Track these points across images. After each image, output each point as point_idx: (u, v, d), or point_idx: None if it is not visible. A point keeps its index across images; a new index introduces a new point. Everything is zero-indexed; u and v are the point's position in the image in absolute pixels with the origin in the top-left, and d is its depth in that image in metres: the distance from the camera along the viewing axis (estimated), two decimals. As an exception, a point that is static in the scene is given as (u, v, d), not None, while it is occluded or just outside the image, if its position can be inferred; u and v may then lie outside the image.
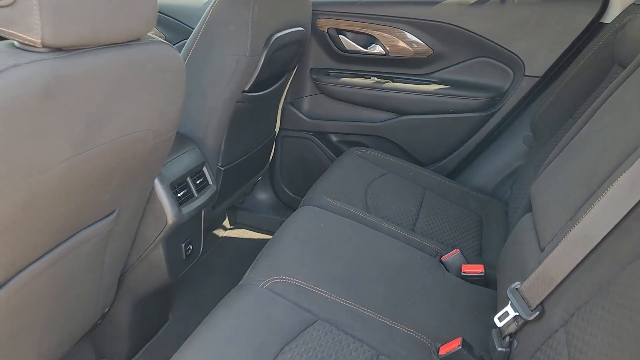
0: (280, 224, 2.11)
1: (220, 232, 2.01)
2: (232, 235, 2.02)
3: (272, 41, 1.37)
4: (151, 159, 0.94)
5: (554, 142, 1.44)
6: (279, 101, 1.75)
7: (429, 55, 1.77)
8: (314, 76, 1.89)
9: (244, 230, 2.07)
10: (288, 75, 1.70)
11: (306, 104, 1.95)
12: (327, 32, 1.81)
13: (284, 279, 1.04)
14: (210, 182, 1.35)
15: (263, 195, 2.10)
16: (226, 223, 2.06)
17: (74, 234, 0.86)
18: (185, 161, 1.26)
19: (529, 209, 1.15)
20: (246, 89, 1.38)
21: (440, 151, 1.85)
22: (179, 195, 1.21)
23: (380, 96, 1.82)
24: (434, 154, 1.86)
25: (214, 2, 1.29)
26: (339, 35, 1.81)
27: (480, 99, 1.73)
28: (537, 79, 1.65)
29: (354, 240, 1.23)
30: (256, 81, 1.40)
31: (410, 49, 1.77)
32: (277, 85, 1.59)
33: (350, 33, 1.82)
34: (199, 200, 1.27)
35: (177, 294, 1.65)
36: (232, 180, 1.60)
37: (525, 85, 1.67)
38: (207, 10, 1.30)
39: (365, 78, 1.86)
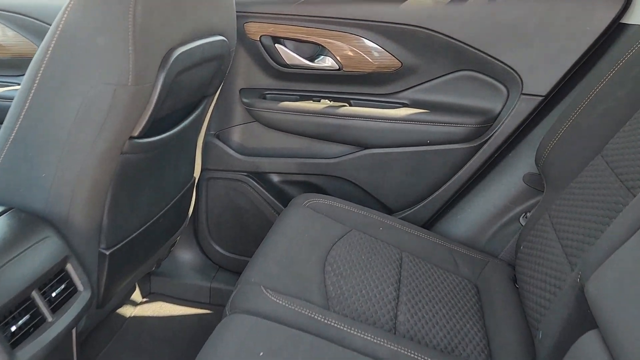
0: (210, 292, 1.64)
1: (127, 311, 1.50)
2: (145, 313, 1.51)
3: (172, 59, 0.89)
4: None
5: (581, 188, 1.03)
6: (197, 136, 1.27)
7: (396, 70, 1.34)
8: (245, 100, 1.41)
9: (162, 303, 1.56)
10: (208, 102, 1.22)
11: (236, 136, 1.47)
12: (260, 40, 1.35)
13: None
14: (81, 287, 0.85)
15: (186, 255, 1.61)
16: (137, 296, 1.55)
17: None
18: (27, 264, 0.76)
19: (582, 318, 0.73)
20: (135, 134, 0.89)
21: (414, 194, 1.42)
22: (12, 330, 0.71)
23: (334, 124, 1.37)
24: (406, 198, 1.43)
25: (70, 1, 0.79)
26: (276, 45, 1.35)
27: (465, 125, 1.31)
28: (540, 98, 1.25)
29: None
30: (152, 120, 0.91)
31: (372, 61, 1.33)
32: (189, 120, 1.10)
33: (291, 42, 1.36)
34: (57, 325, 0.78)
35: None
36: (128, 262, 1.10)
37: (524, 107, 1.27)
38: (60, 13, 0.80)
39: (313, 101, 1.40)
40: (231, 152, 1.45)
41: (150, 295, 1.58)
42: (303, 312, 0.90)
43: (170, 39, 0.89)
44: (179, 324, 1.49)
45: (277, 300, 0.92)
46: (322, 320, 0.90)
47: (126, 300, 1.52)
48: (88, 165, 0.85)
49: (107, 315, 1.45)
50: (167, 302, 1.57)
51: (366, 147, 1.40)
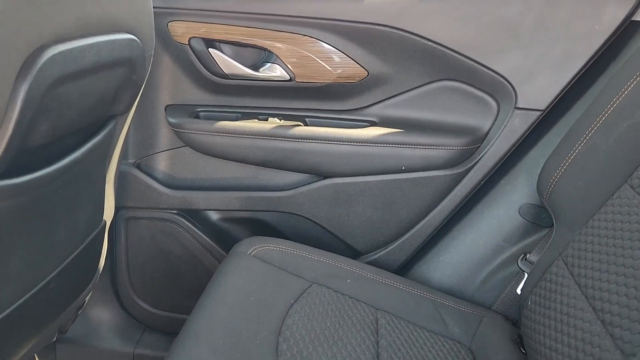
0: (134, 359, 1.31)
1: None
2: (47, 396, 1.17)
3: (41, 62, 0.59)
4: None
5: (606, 227, 0.80)
6: (103, 169, 0.95)
7: (361, 80, 1.08)
8: (171, 120, 1.11)
9: (72, 378, 1.23)
10: (118, 124, 0.92)
11: (162, 164, 1.17)
12: (189, 44, 1.06)
13: None
14: None
15: (102, 314, 1.27)
16: (35, 373, 1.20)
17: None
18: None
19: None
20: (-15, 175, 0.58)
21: (387, 232, 1.15)
22: None
23: (286, 149, 1.09)
24: (377, 237, 1.16)
25: None
26: (210, 50, 1.06)
27: (447, 148, 1.07)
28: (537, 113, 1.02)
29: None
30: (13, 152, 0.61)
31: (331, 69, 1.06)
32: (85, 149, 0.80)
33: (229, 45, 1.08)
34: None
35: None
36: (6, 342, 0.77)
37: (518, 125, 1.03)
38: None
39: (259, 120, 1.12)
40: (156, 185, 1.15)
41: (56, 370, 1.24)
42: None
43: (36, 31, 0.59)
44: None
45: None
46: None
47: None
48: None
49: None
50: (78, 377, 1.23)
51: (326, 177, 1.12)
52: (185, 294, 1.24)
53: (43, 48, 0.60)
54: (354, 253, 1.18)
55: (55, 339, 1.14)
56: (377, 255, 1.16)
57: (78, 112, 0.73)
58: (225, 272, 0.94)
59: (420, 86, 1.08)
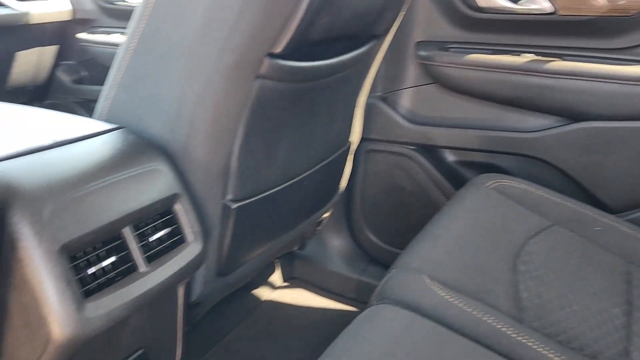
0: (358, 286, 1.39)
1: (263, 293, 1.32)
2: (283, 299, 1.32)
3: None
4: None
5: None
6: (358, 88, 1.03)
7: (636, 14, 0.95)
8: (421, 53, 1.14)
9: (302, 290, 1.36)
10: (376, 46, 0.98)
11: (407, 100, 1.21)
12: (448, -23, 1.07)
13: None
14: (190, 237, 0.66)
15: (334, 241, 1.38)
16: (276, 278, 1.37)
17: None
18: (123, 192, 0.58)
19: None
20: (276, 50, 0.68)
21: (650, 189, 1.01)
22: (89, 272, 0.54)
23: (538, 85, 1.03)
24: (636, 194, 1.02)
25: None
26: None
27: None
28: None
29: None
30: (299, 36, 0.70)
31: (603, 0, 0.96)
32: (350, 56, 0.87)
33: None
34: (151, 278, 0.59)
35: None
36: (260, 225, 0.90)
37: None
38: None
39: (512, 55, 1.08)
40: (399, 119, 1.19)
41: (291, 280, 1.39)
42: (485, 319, 0.60)
43: None
44: (318, 316, 1.27)
45: (447, 297, 0.63)
46: (515, 336, 0.59)
47: (264, 281, 1.34)
48: (213, 84, 0.65)
49: (241, 294, 1.29)
50: (308, 290, 1.36)
51: (582, 119, 1.03)
52: (413, 230, 1.26)
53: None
54: (607, 209, 1.06)
55: (295, 248, 1.28)
56: (633, 216, 1.02)
57: (352, 14, 0.80)
58: (462, 199, 0.93)
59: None
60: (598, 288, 0.75)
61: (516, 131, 1.09)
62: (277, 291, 1.34)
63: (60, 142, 0.60)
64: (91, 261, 0.55)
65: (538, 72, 1.02)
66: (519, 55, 1.07)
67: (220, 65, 0.64)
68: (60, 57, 1.87)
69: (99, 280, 0.55)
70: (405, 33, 1.16)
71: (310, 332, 1.22)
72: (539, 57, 1.04)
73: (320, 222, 1.26)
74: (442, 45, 1.14)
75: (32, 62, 1.75)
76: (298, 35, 0.69)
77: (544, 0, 1.01)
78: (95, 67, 1.83)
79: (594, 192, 1.05)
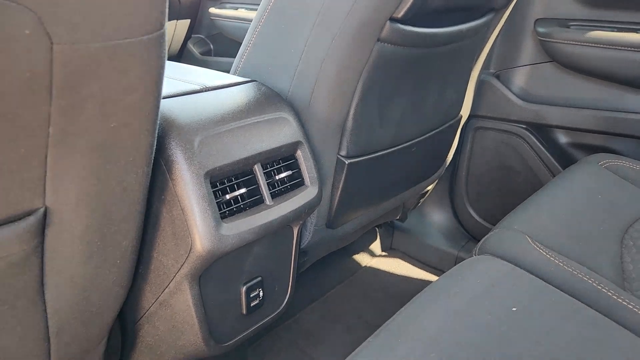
0: (457, 262, 1.41)
1: (363, 259, 1.38)
2: (381, 267, 1.38)
3: None
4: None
5: None
6: (471, 61, 1.05)
7: None
8: (540, 30, 1.13)
9: (401, 261, 1.41)
10: (494, 20, 0.99)
11: (521, 78, 1.20)
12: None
13: None
14: (308, 182, 0.74)
15: (435, 215, 1.41)
16: (376, 247, 1.43)
17: None
18: (256, 134, 0.67)
19: None
20: (398, 15, 0.73)
21: None
22: (227, 198, 0.63)
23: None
24: None
25: None
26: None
27: None
28: None
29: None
30: (420, 3, 0.74)
31: None
32: (467, 26, 0.89)
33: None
34: (275, 211, 0.67)
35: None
36: (369, 183, 0.96)
37: None
38: None
39: (637, 33, 1.04)
40: (511, 96, 1.19)
41: (390, 251, 1.44)
42: (586, 279, 0.62)
43: None
44: (414, 287, 1.31)
45: (549, 256, 0.65)
46: (616, 298, 0.60)
47: (365, 248, 1.41)
48: (339, 44, 0.72)
49: (343, 258, 1.36)
50: (406, 261, 1.40)
51: None
52: (517, 210, 1.26)
53: None
54: None
55: (397, 218, 1.32)
56: None
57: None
58: (571, 174, 0.93)
59: None
60: None
61: (637, 112, 1.05)
62: (376, 259, 1.40)
63: (208, 87, 0.70)
64: (228, 190, 0.64)
65: (668, 51, 0.97)
66: (646, 33, 1.02)
67: (347, 26, 0.70)
68: (191, 31, 2.05)
69: (232, 207, 0.64)
70: (524, 9, 1.15)
71: (407, 299, 1.26)
72: (670, 35, 0.99)
73: (424, 194, 1.30)
74: (563, 23, 1.12)
75: (168, 34, 1.95)
76: (419, 1, 0.73)
77: (681, -25, 0.96)
78: (221, 41, 1.99)
79: None
